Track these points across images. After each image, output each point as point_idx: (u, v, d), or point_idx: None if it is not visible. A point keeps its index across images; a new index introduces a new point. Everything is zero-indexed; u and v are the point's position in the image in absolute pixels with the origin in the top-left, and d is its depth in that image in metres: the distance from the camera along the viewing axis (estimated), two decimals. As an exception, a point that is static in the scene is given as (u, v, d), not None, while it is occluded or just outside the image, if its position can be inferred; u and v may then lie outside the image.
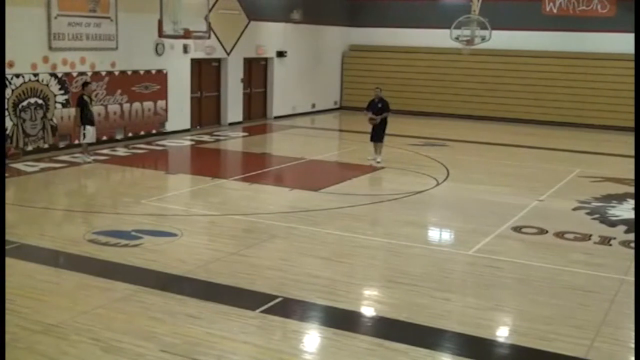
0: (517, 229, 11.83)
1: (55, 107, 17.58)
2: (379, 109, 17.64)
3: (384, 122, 17.66)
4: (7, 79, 16.35)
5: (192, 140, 20.70)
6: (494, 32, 23.53)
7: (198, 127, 22.70)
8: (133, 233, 10.85)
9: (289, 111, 26.89)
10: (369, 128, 17.79)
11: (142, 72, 20.10)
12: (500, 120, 26.69)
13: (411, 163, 17.80)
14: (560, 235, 11.54)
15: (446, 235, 12.03)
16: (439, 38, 26.92)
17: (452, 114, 27.62)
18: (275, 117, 26.05)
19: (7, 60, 16.17)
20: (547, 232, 11.68)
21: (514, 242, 11.17)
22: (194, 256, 9.90)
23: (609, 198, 14.39)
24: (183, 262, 9.62)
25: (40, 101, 17.13)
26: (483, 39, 23.51)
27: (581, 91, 25.89)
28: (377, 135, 17.68)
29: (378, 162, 17.36)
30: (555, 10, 26.12)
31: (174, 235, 10.87)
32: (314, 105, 28.33)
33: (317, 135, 23.17)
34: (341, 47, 29.85)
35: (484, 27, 23.30)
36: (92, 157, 16.87)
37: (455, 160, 18.46)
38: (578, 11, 25.85)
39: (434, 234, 12.15)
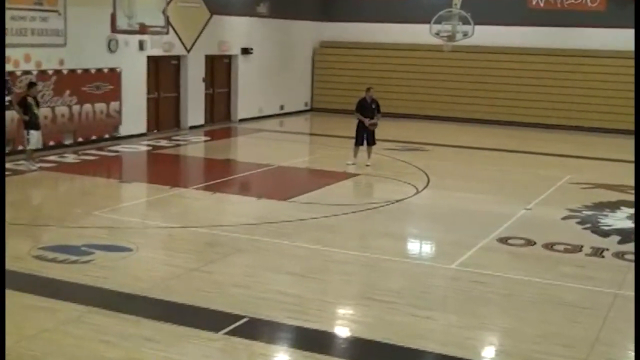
0: (503, 240, 11.90)
1: (-4, 110, 17.34)
2: (373, 111, 17.82)
3: (358, 126, 17.96)
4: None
5: (148, 145, 20.56)
6: (477, 27, 23.72)
7: (155, 131, 22.56)
8: (83, 248, 10.72)
9: (256, 113, 26.85)
10: (347, 131, 17.86)
11: (93, 71, 19.94)
12: (484, 122, 26.89)
13: (388, 169, 17.83)
14: (549, 246, 11.62)
15: (427, 248, 12.06)
16: (417, 34, 27.07)
17: (431, 116, 27.75)
18: (241, 120, 25.99)
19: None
20: (535, 243, 11.75)
21: (499, 254, 11.22)
22: (151, 273, 9.82)
23: (601, 206, 14.54)
24: (138, 279, 9.54)
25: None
26: (465, 34, 23.68)
27: (570, 91, 26.15)
28: (372, 138, 17.98)
29: (368, 165, 17.65)
30: (541, 4, 26.44)
31: (129, 250, 10.77)
32: (282, 107, 28.31)
33: (286, 140, 23.15)
34: (312, 43, 29.88)
35: (466, 22, 23.47)
36: (38, 165, 16.68)
37: (435, 166, 18.52)
38: (566, 5, 26.19)
39: (413, 246, 12.17)
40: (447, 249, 11.47)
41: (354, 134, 18.16)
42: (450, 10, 23.75)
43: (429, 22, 23.95)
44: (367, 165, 17.69)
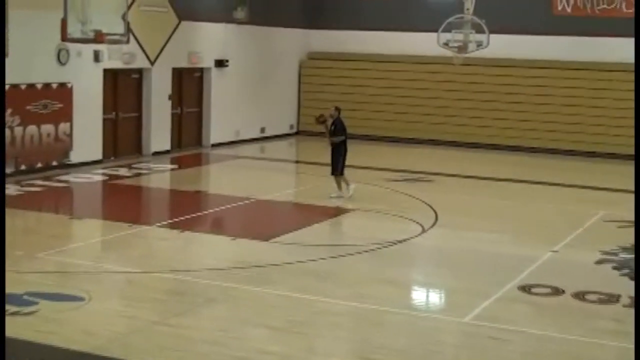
0: (526, 288, 11.86)
1: None
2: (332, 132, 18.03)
3: (334, 150, 17.97)
4: None
5: (104, 174, 20.50)
6: (493, 36, 23.88)
7: (112, 158, 22.53)
8: (25, 297, 10.64)
9: (232, 137, 26.87)
10: (323, 158, 17.88)
11: (39, 86, 19.96)
12: (499, 148, 26.98)
13: (388, 204, 17.83)
14: (580, 296, 11.58)
15: (435, 298, 12.01)
16: (423, 43, 27.22)
17: (439, 141, 27.84)
18: (214, 145, 25.99)
19: None
20: (563, 292, 11.72)
21: (521, 305, 11.18)
22: (106, 327, 9.75)
23: (640, 248, 14.53)
24: (91, 334, 9.46)
25: None
26: (479, 45, 23.81)
27: (602, 111, 26.23)
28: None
29: (350, 196, 17.77)
30: (569, 10, 26.65)
31: (80, 299, 10.68)
32: (263, 130, 28.34)
33: (267, 169, 23.14)
34: (298, 54, 30.01)
35: (480, 30, 23.62)
36: (-27, 197, 16.61)
37: (443, 199, 18.53)
38: (598, 11, 26.38)
39: (419, 295, 12.12)
40: (459, 299, 11.42)
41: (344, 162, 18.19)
42: (461, 17, 23.90)
43: (435, 30, 24.08)
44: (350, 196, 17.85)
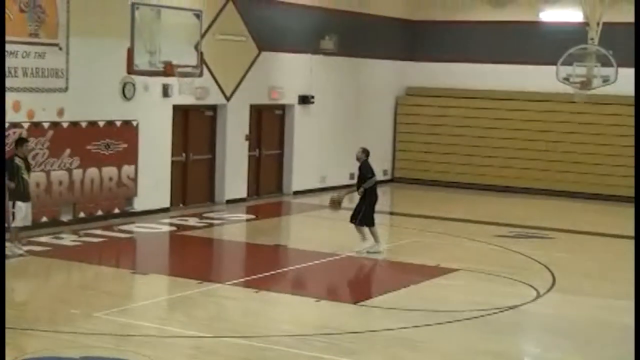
0: (659, 366, 11.58)
1: (-26, 174, 17.79)
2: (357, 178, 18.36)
3: (366, 197, 18.19)
4: None
5: (172, 224, 20.78)
6: (621, 70, 23.60)
7: (181, 206, 22.82)
8: (80, 362, 10.78)
9: (317, 184, 26.96)
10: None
11: (101, 124, 20.36)
12: (623, 200, 26.40)
13: (496, 263, 17.68)
14: None
15: (550, 374, 11.82)
16: (539, 78, 27.06)
17: (558, 191, 27.51)
18: (296, 193, 26.12)
19: None
20: None
21: (654, 386, 10.91)
22: (170, 399, 9.83)
23: None
24: (153, 407, 9.56)
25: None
26: (605, 80, 23.57)
27: None
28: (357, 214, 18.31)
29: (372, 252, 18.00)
30: None
31: (141, 366, 10.79)
32: (353, 176, 28.27)
33: (357, 220, 23.14)
34: (394, 89, 30.11)
35: (606, 63, 23.39)
36: (25, 248, 16.96)
37: (563, 260, 18.32)
38: None
39: (532, 371, 11.96)
40: (579, 376, 11.22)
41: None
42: (584, 48, 23.72)
43: (554, 63, 23.93)
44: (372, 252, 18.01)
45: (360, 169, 18.32)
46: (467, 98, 28.99)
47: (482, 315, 13.76)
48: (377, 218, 21.92)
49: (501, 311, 14.07)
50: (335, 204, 18.85)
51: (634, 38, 21.26)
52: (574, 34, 24.85)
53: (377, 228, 18.23)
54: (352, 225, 18.22)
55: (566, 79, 23.95)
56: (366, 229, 18.14)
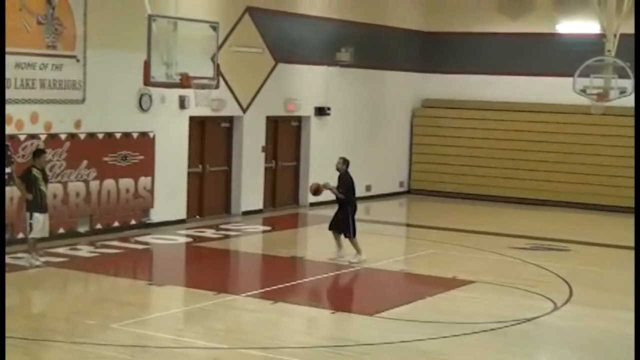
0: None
1: (-9, 185, 17.88)
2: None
3: (342, 208, 18.30)
4: None
5: (188, 236, 20.82)
6: (639, 82, 23.58)
7: (198, 217, 22.86)
8: (97, 373, 10.82)
9: (332, 196, 26.89)
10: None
11: (118, 136, 20.45)
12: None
13: (513, 275, 17.64)
14: None
15: (568, 387, 11.79)
16: (555, 90, 27.02)
17: (575, 203, 27.43)
18: (312, 205, 26.13)
19: None
20: None
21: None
22: (187, 410, 9.85)
23: None
24: (170, 418, 9.57)
25: (-30, 176, 17.44)
26: (622, 92, 23.51)
27: None
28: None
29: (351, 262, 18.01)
30: None
31: (158, 377, 10.83)
32: (369, 188, 28.38)
33: (373, 232, 23.07)
34: (411, 101, 30.12)
35: (623, 75, 23.34)
36: (43, 259, 17.02)
37: (581, 272, 18.28)
38: None
39: (549, 384, 11.93)
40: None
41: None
42: (601, 59, 23.66)
43: (571, 75, 23.89)
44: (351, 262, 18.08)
45: (339, 179, 18.33)
46: (483, 110, 28.98)
47: (498, 328, 13.73)
48: (393, 229, 21.91)
49: (518, 323, 14.04)
50: (317, 190, 18.74)
51: (634, 40, 21.29)
52: (591, 46, 24.81)
53: (357, 239, 18.28)
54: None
55: (583, 91, 23.89)
56: (344, 238, 18.26)
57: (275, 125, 25.19)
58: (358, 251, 18.16)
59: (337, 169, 18.43)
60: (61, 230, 19.17)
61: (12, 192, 17.78)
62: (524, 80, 28.55)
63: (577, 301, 15.75)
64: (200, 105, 21.01)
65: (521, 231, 22.66)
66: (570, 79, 23.97)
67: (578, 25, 27.64)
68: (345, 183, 18.31)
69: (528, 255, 19.79)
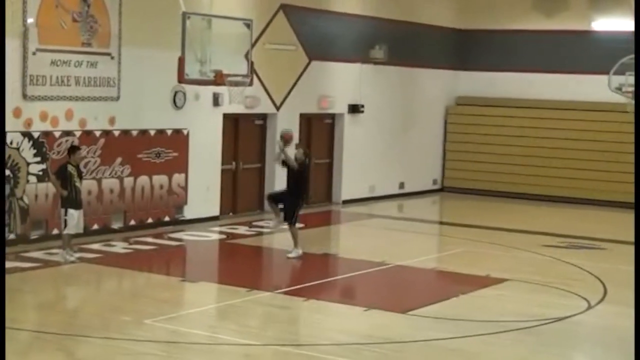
0: None
1: (27, 181, 17.97)
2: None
3: (293, 195, 18.35)
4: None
5: (221, 233, 20.89)
6: (675, 79, 23.39)
7: (231, 214, 22.91)
8: (131, 368, 10.88)
9: (366, 193, 26.96)
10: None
11: (152, 133, 20.54)
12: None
13: (547, 274, 17.55)
14: None
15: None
16: (591, 87, 26.88)
17: (611, 202, 27.26)
18: (345, 202, 26.13)
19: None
20: None
21: None
22: (219, 406, 9.87)
23: None
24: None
25: (6, 172, 17.54)
26: (658, 89, 23.35)
27: None
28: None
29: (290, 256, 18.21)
30: None
31: (191, 373, 10.86)
32: (402, 185, 28.38)
33: (406, 230, 23.10)
34: (444, 99, 30.04)
35: (659, 73, 23.18)
36: (77, 255, 17.11)
37: (617, 272, 18.15)
38: None
39: (582, 383, 11.87)
40: (631, 389, 11.09)
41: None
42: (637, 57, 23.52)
43: (606, 72, 23.75)
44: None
45: (296, 160, 18.28)
46: (517, 107, 28.87)
47: (531, 326, 13.67)
48: (427, 227, 21.86)
49: (551, 322, 13.98)
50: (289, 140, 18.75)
51: (635, 40, 21.20)
52: (627, 43, 24.58)
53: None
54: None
55: (618, 89, 23.73)
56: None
57: (308, 122, 25.20)
58: (296, 244, 18.22)
59: (296, 158, 18.30)
60: (95, 227, 19.27)
61: (47, 188, 17.92)
62: (558, 78, 28.41)
63: (612, 300, 15.65)
64: (234, 102, 21.08)
65: (555, 229, 22.56)
66: (605, 77, 23.84)
67: (613, 23, 27.47)
68: (302, 164, 18.29)
69: (562, 253, 19.70)
